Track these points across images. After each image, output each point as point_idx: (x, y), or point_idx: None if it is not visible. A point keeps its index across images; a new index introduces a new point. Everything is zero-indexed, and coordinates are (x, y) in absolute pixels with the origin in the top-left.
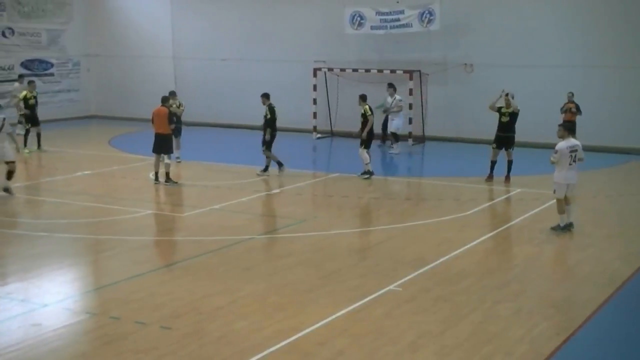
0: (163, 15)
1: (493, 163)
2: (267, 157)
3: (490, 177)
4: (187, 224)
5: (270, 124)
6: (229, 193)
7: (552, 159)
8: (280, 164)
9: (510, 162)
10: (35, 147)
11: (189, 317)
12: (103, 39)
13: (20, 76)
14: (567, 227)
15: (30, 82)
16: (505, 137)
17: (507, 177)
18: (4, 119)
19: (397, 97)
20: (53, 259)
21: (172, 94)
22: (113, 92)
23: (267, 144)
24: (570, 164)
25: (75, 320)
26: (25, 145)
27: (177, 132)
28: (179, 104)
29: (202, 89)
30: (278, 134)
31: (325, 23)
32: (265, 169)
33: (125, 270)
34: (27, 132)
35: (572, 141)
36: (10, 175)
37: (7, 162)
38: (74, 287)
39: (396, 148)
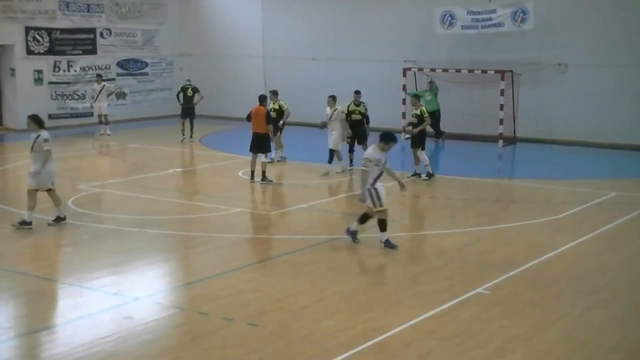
0: (254, 15)
1: None
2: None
3: None
4: (275, 222)
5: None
6: (317, 192)
7: None
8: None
9: None
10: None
11: (275, 314)
12: (195, 39)
13: (98, 76)
14: None
15: None
16: None
17: None
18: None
19: (339, 108)
20: (145, 254)
21: (274, 93)
22: (204, 91)
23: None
24: None
25: (165, 315)
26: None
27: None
28: (281, 106)
29: (292, 88)
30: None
31: (415, 23)
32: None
33: (213, 267)
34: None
35: None
36: (382, 224)
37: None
38: (164, 282)
39: (324, 169)
